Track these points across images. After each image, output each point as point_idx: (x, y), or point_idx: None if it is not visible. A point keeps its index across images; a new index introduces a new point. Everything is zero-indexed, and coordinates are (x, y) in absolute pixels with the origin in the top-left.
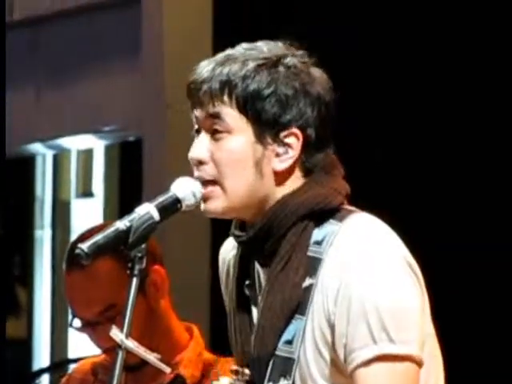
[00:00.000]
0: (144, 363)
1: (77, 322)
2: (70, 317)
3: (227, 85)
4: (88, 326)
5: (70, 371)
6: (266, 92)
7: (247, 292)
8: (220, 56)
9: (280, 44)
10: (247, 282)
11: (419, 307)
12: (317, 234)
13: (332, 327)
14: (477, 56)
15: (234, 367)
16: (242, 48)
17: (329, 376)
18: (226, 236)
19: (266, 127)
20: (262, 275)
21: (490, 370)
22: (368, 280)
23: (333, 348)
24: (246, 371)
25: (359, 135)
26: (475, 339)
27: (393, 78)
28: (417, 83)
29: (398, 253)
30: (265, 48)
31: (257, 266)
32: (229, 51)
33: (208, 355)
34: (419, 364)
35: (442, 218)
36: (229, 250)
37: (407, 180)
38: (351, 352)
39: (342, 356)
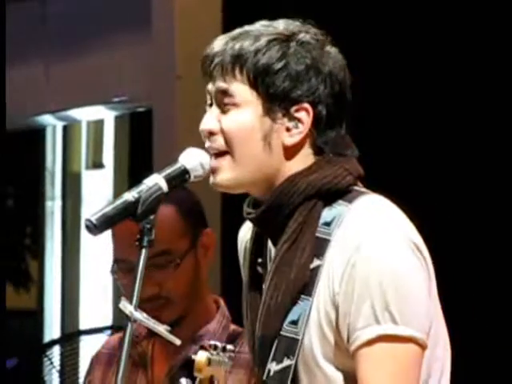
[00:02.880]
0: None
1: (121, 267)
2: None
3: (238, 59)
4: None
5: (99, 347)
6: (277, 67)
7: (260, 270)
8: (235, 32)
9: (298, 22)
10: (260, 261)
11: (425, 290)
12: (326, 214)
13: (336, 307)
14: (492, 43)
15: (213, 342)
16: (258, 25)
17: (332, 357)
18: (236, 210)
19: (276, 101)
20: (273, 253)
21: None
22: (373, 261)
23: (337, 328)
24: (229, 347)
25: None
26: (486, 326)
27: (402, 69)
28: (427, 76)
29: (404, 234)
30: (281, 25)
31: (269, 244)
32: (245, 27)
33: (234, 327)
34: (422, 346)
35: (458, 204)
36: (247, 230)
37: (425, 164)
38: (354, 331)
39: (345, 336)
